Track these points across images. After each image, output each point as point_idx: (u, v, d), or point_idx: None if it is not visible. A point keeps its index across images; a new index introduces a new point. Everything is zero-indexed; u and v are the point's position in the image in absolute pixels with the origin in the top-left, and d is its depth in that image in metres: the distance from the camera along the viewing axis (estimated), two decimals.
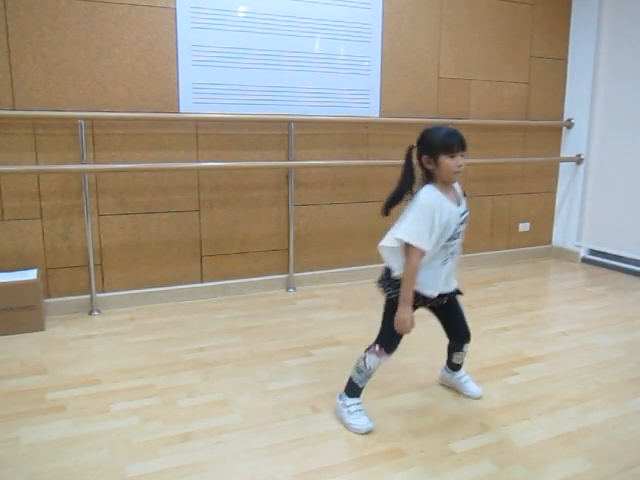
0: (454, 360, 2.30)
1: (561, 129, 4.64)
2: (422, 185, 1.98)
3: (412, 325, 1.94)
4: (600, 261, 4.49)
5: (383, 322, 2.07)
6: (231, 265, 3.63)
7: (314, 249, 3.86)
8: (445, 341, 2.27)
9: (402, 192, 2.00)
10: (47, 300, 3.16)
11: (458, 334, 2.22)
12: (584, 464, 1.85)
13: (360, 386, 2.09)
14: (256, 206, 3.63)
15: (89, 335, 2.94)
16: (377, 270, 4.00)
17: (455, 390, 2.34)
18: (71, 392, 2.30)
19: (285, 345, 2.83)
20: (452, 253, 2.03)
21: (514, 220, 4.61)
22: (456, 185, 2.05)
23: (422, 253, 1.90)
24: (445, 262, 2.01)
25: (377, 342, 2.05)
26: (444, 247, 1.98)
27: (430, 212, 1.89)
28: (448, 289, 2.07)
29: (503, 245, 4.58)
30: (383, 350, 2.02)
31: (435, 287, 2.01)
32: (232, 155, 3.49)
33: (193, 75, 3.31)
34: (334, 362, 2.63)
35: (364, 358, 2.05)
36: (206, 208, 3.49)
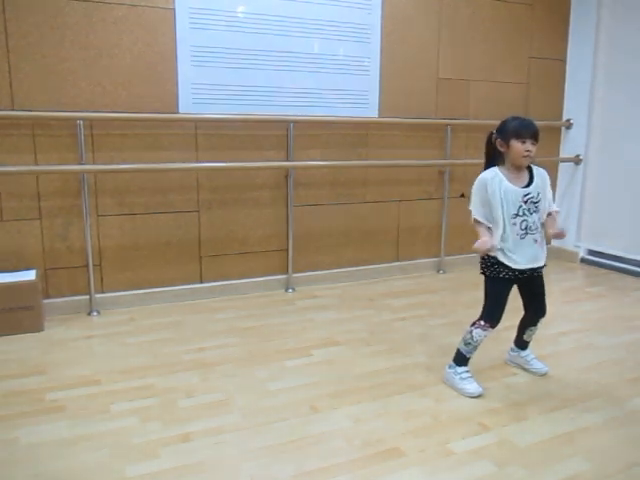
0: (525, 337, 2.49)
1: (560, 129, 4.65)
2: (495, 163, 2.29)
3: (492, 245, 2.20)
4: (599, 261, 4.49)
5: (485, 298, 2.33)
6: (230, 265, 3.63)
7: (313, 249, 3.86)
8: (448, 341, 2.26)
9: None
10: (46, 300, 3.15)
11: (537, 308, 2.41)
12: (583, 464, 1.85)
13: (468, 357, 2.34)
14: (255, 206, 3.63)
15: (88, 335, 2.94)
16: (376, 270, 4.05)
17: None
18: (70, 392, 2.30)
19: (284, 345, 2.83)
20: (527, 230, 2.24)
21: None
22: (540, 171, 2.34)
23: (481, 223, 2.24)
24: (523, 237, 2.24)
25: (482, 318, 2.30)
26: (513, 223, 2.22)
27: (481, 186, 2.23)
28: (535, 264, 2.29)
29: None
30: (488, 325, 2.28)
31: (518, 260, 2.24)
32: (231, 155, 3.48)
33: (192, 75, 3.31)
34: (333, 362, 2.63)
35: (471, 332, 2.30)
36: (205, 208, 3.49)
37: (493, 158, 2.28)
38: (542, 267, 2.34)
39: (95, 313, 3.24)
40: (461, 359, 2.35)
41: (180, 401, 2.24)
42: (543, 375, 2.49)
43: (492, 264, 2.26)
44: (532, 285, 2.37)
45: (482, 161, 2.35)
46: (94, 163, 3.16)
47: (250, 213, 3.62)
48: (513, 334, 2.56)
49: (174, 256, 3.46)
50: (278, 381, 2.43)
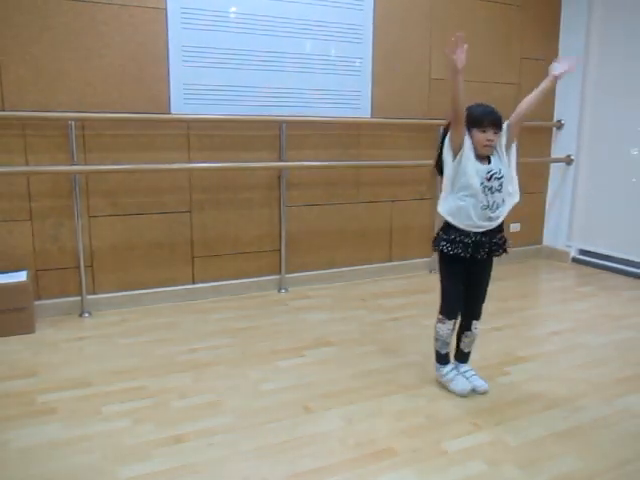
0: (462, 346, 2.38)
1: (551, 130, 4.67)
2: None
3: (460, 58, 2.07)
4: (590, 261, 4.52)
5: (441, 289, 2.29)
6: (223, 266, 3.62)
7: (306, 250, 3.86)
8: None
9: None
10: (37, 302, 3.13)
11: (473, 304, 2.31)
12: (575, 463, 1.87)
13: (442, 352, 2.34)
14: (248, 207, 3.62)
15: (80, 337, 2.92)
16: (369, 270, 4.06)
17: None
18: (62, 394, 2.29)
19: (277, 346, 2.82)
20: (490, 205, 2.16)
21: (505, 220, 4.62)
22: (502, 154, 2.19)
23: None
24: (484, 208, 2.15)
25: (439, 311, 2.29)
26: (478, 194, 2.13)
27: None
28: (490, 228, 2.19)
29: None
30: (444, 317, 2.27)
31: (474, 223, 2.16)
32: (224, 156, 3.48)
33: (184, 76, 3.30)
34: (326, 363, 2.63)
35: (435, 327, 2.31)
36: (198, 209, 3.48)
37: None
38: (497, 246, 2.23)
39: (87, 314, 3.23)
40: (438, 356, 2.36)
41: (173, 402, 2.23)
42: (484, 393, 2.32)
43: (447, 236, 2.17)
44: (477, 275, 2.26)
45: None
46: (85, 163, 3.14)
47: (243, 213, 3.62)
48: (503, 334, 2.57)
49: (166, 257, 3.45)
50: (271, 382, 2.43)
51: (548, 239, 4.84)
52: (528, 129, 4.51)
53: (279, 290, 3.76)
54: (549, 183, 4.78)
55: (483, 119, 2.11)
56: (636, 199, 4.16)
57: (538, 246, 4.86)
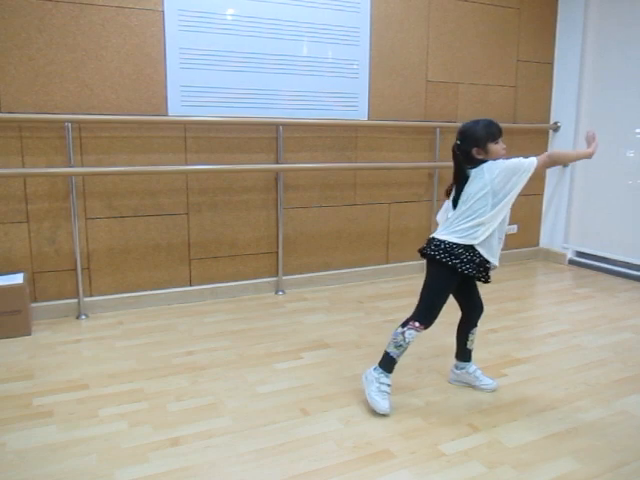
0: (468, 345, 2.36)
1: (548, 132, 4.68)
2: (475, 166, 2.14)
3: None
4: (587, 263, 4.53)
5: (421, 297, 2.21)
6: (220, 268, 3.62)
7: (303, 252, 3.86)
8: (442, 340, 2.27)
9: (460, 186, 2.18)
10: (34, 304, 3.12)
11: (476, 303, 2.33)
12: (573, 464, 1.87)
13: (397, 360, 2.20)
14: (245, 209, 3.62)
15: (77, 339, 2.91)
16: (366, 272, 4.06)
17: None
18: (58, 397, 2.28)
19: (274, 348, 2.82)
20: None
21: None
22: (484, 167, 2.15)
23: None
24: (500, 237, 2.19)
25: (415, 319, 2.17)
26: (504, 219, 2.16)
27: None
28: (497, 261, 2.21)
29: None
30: (422, 326, 2.16)
31: (496, 255, 2.19)
32: (221, 158, 3.48)
33: (181, 78, 3.30)
34: (324, 365, 2.63)
35: (403, 333, 2.16)
36: (195, 211, 3.48)
37: (463, 172, 2.16)
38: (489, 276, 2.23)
39: (83, 317, 3.22)
40: (389, 363, 2.20)
41: (169, 405, 2.23)
42: (492, 391, 2.35)
43: (459, 253, 2.11)
44: (470, 281, 2.26)
45: None
46: (82, 165, 3.14)
47: (240, 216, 3.61)
48: (500, 336, 2.57)
49: (163, 259, 3.45)
50: (268, 384, 2.42)
51: (545, 241, 4.85)
52: (525, 131, 4.53)
53: (276, 292, 3.76)
54: (546, 185, 4.79)
55: (495, 131, 2.12)
56: (632, 201, 4.18)
57: (535, 248, 4.87)
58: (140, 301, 3.40)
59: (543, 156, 2.11)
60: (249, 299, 3.62)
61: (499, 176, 2.07)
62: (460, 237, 2.13)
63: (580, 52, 4.40)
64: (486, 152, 2.11)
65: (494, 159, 2.11)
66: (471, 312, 2.34)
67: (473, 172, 2.13)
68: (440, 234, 2.20)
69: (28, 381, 2.42)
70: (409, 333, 2.15)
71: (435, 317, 2.18)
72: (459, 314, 2.37)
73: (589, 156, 2.18)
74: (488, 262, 2.16)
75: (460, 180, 2.18)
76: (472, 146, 2.11)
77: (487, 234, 2.11)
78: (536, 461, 1.88)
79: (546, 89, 4.61)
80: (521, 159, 2.10)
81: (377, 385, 2.19)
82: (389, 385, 2.20)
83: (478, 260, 2.13)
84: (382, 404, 2.15)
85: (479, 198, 2.10)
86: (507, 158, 2.11)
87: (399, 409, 2.22)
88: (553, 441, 2.00)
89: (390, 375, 2.21)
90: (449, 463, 1.86)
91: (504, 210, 2.11)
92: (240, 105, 3.47)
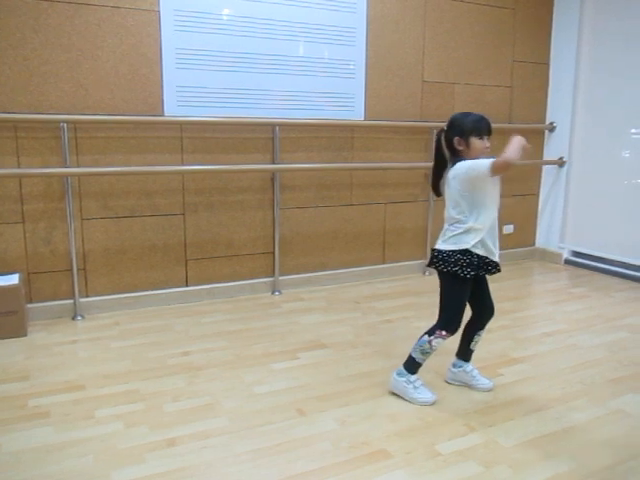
0: (472, 345, 2.37)
1: (543, 132, 4.70)
2: (453, 162, 2.14)
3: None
4: (582, 262, 4.54)
5: (441, 306, 2.23)
6: (216, 268, 3.61)
7: (299, 252, 3.86)
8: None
9: (439, 171, 2.22)
10: (29, 305, 3.12)
11: (488, 306, 2.33)
12: (569, 463, 1.87)
13: (422, 364, 2.26)
14: (241, 209, 3.62)
15: (72, 340, 2.91)
16: (362, 273, 4.06)
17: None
18: (54, 398, 2.27)
19: (271, 348, 2.82)
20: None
21: (498, 222, 4.64)
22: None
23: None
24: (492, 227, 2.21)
25: (441, 327, 2.19)
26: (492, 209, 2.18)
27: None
28: (495, 257, 2.21)
29: None
30: (449, 334, 2.19)
31: (492, 250, 2.20)
32: (217, 158, 3.47)
33: (177, 78, 3.29)
34: (320, 365, 2.63)
35: (430, 342, 2.20)
36: (191, 211, 3.48)
37: (442, 157, 2.18)
38: (498, 264, 2.22)
39: (79, 318, 3.21)
40: (414, 366, 2.26)
41: (166, 406, 2.23)
42: (489, 391, 2.36)
43: (457, 259, 2.13)
44: (482, 282, 2.28)
45: None
46: (78, 166, 3.13)
47: (236, 216, 3.61)
48: (496, 335, 2.57)
49: (159, 259, 3.44)
50: (264, 384, 2.42)
51: (541, 241, 4.86)
52: (521, 131, 4.53)
53: (272, 292, 3.76)
54: (542, 185, 4.80)
55: (482, 127, 2.10)
56: (628, 201, 4.19)
57: (531, 248, 4.88)
58: (136, 302, 3.39)
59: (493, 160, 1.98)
60: (245, 299, 3.62)
61: (462, 182, 2.09)
62: (454, 244, 2.16)
63: (575, 52, 4.42)
64: (467, 145, 2.10)
65: (473, 157, 2.09)
66: (481, 314, 2.34)
67: (450, 173, 2.16)
68: (438, 245, 2.23)
69: (24, 382, 2.42)
70: (436, 342, 2.20)
71: (459, 322, 2.21)
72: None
73: (514, 153, 1.92)
74: (488, 259, 2.18)
75: (437, 165, 2.22)
76: (455, 135, 2.11)
77: (479, 237, 2.13)
78: (532, 460, 1.88)
79: (542, 89, 4.62)
80: (480, 160, 2.05)
81: (412, 386, 2.26)
82: (418, 378, 2.28)
83: (477, 261, 2.15)
84: (427, 396, 2.25)
85: (455, 205, 2.15)
86: (491, 157, 2.02)
87: (395, 409, 2.22)
88: (549, 440, 2.01)
89: (417, 374, 2.29)
90: (445, 463, 1.86)
91: (487, 210, 2.12)
92: (236, 105, 3.47)
